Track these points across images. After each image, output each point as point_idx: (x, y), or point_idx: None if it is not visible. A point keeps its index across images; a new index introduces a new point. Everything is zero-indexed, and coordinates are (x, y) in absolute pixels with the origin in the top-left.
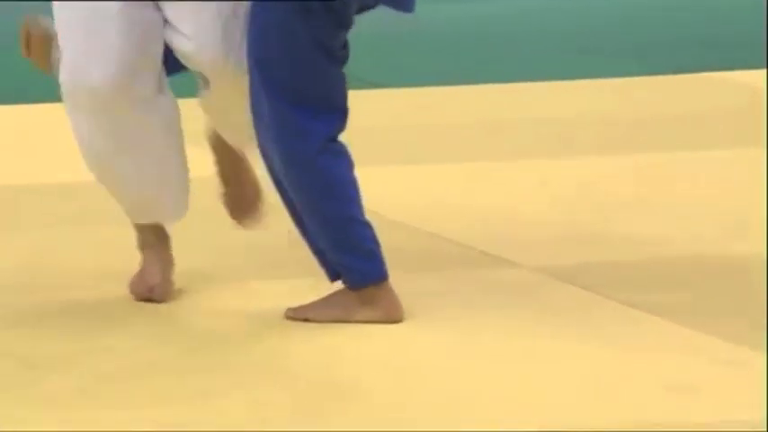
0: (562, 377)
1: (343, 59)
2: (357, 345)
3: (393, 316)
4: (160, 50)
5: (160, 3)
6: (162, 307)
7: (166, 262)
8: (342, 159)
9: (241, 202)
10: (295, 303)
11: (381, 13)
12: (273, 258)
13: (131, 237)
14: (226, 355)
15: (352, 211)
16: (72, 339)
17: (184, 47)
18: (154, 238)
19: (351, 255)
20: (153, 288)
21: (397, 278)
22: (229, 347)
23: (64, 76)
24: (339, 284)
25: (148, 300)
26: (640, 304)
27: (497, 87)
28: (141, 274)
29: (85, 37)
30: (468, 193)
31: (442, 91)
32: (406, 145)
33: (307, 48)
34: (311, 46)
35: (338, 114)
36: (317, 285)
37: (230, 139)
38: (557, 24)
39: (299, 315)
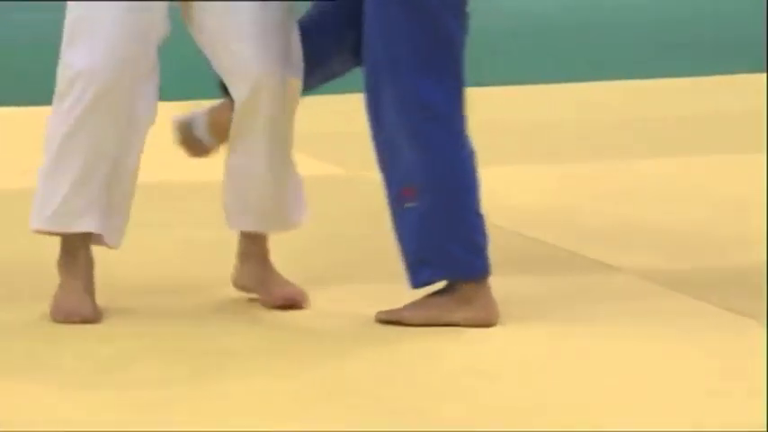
0: (662, 383)
1: (467, 29)
2: (452, 347)
3: (489, 317)
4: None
5: (206, 15)
6: (251, 307)
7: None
8: (466, 145)
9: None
10: (382, 308)
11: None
12: (359, 262)
13: (214, 238)
14: (309, 358)
15: (468, 198)
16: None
17: (238, 59)
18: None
19: (458, 244)
20: (86, 317)
21: (493, 282)
22: (317, 350)
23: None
24: (421, 292)
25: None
26: (744, 310)
27: (591, 86)
28: (68, 299)
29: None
30: (566, 195)
31: (535, 89)
32: (500, 145)
33: (432, 7)
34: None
35: (461, 87)
36: (402, 291)
37: (253, 221)
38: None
39: (392, 317)
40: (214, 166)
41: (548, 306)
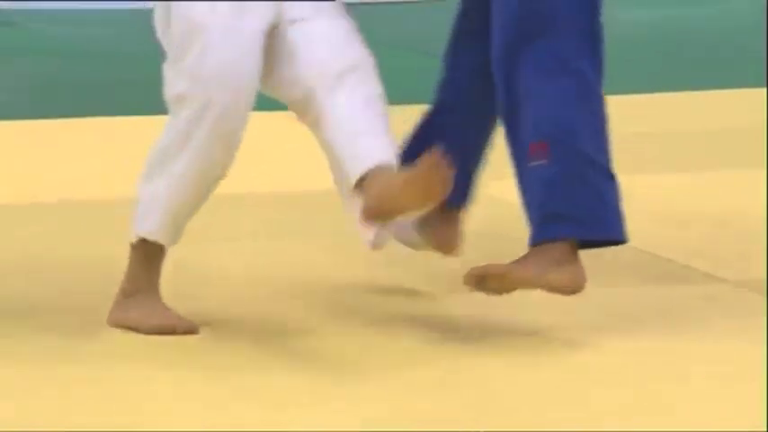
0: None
1: None
2: (551, 356)
3: (580, 282)
4: None
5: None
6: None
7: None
8: (604, 115)
9: None
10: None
11: None
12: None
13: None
14: (414, 360)
15: (603, 158)
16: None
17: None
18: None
19: (597, 202)
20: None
21: (594, 293)
22: (419, 352)
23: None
24: None
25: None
26: None
27: (699, 95)
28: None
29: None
30: (667, 204)
31: (646, 99)
32: None
33: None
34: None
35: (603, 64)
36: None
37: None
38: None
39: (485, 272)
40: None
41: (651, 319)
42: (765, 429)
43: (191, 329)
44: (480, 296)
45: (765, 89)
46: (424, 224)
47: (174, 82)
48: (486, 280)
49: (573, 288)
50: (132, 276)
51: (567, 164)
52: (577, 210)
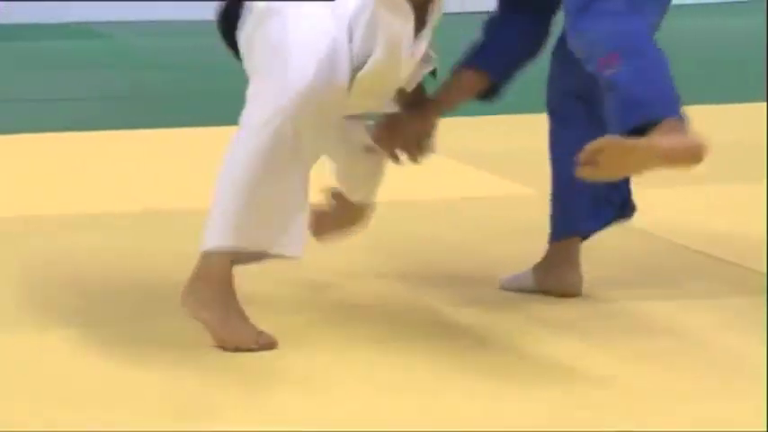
0: None
1: None
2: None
3: (701, 145)
4: None
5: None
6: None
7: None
8: None
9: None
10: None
11: None
12: None
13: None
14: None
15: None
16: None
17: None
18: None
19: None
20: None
21: (677, 306)
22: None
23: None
24: None
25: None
26: None
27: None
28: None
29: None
30: (752, 216)
31: (734, 109)
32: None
33: None
34: None
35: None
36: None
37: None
38: None
39: (594, 148)
40: None
41: (734, 330)
42: (765, 429)
43: (269, 345)
44: (558, 311)
45: (766, 103)
46: (542, 268)
47: (254, 103)
48: (601, 153)
49: (695, 151)
50: (207, 257)
51: (642, 62)
52: (667, 95)
